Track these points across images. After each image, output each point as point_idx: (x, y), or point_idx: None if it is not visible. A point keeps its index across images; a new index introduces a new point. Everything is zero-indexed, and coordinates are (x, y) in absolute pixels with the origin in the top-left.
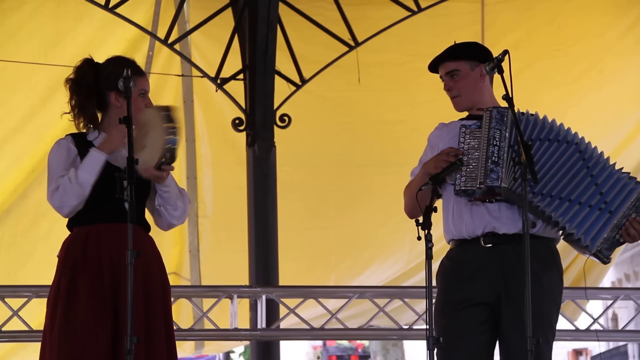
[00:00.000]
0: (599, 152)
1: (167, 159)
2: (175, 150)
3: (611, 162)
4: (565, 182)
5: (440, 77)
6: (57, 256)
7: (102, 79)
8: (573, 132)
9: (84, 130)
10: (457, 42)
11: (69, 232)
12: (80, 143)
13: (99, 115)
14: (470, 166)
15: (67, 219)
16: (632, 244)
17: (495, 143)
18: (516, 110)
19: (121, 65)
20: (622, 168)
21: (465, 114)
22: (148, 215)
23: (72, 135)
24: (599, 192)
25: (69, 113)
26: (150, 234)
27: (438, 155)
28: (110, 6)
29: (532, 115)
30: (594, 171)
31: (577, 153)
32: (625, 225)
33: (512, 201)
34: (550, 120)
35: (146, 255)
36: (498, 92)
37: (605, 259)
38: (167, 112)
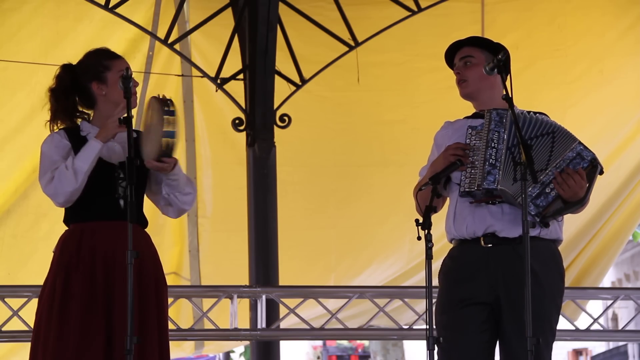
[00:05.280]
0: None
1: (165, 151)
2: (173, 143)
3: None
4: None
5: (454, 65)
6: (53, 252)
7: (80, 75)
8: (558, 124)
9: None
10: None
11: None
12: (74, 137)
13: (91, 112)
14: (475, 168)
15: (67, 218)
16: (631, 242)
17: (493, 145)
18: (518, 110)
19: (94, 55)
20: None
21: (471, 112)
22: (146, 210)
23: (64, 129)
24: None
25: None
26: (149, 235)
27: (445, 151)
28: (110, 6)
29: (529, 113)
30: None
31: (552, 139)
32: (559, 178)
33: (511, 202)
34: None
35: (141, 253)
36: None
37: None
38: (165, 105)
